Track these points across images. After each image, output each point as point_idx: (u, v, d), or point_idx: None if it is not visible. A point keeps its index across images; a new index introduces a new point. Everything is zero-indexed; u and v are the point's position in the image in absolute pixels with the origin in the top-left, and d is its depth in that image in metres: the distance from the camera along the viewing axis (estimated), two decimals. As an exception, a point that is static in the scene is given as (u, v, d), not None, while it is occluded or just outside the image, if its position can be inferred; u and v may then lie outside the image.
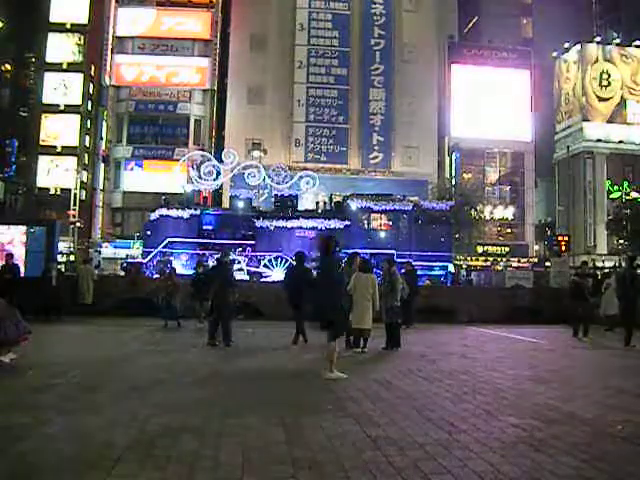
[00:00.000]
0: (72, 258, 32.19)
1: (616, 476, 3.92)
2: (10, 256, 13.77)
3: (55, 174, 38.91)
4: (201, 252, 19.53)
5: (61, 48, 40.66)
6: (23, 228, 16.43)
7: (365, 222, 20.88)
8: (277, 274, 19.26)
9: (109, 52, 41.50)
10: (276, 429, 4.82)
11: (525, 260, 43.76)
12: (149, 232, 20.99)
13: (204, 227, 20.53)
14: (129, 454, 4.12)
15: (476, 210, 38.64)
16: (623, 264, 19.43)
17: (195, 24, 42.44)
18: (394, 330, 10.47)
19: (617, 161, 48.25)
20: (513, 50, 48.23)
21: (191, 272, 16.15)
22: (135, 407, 5.54)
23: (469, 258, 39.47)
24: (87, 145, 40.67)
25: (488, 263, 40.17)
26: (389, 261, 11.19)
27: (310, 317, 10.28)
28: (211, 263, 15.04)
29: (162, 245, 19.85)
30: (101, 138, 41.10)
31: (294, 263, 12.18)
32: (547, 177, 52.69)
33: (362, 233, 20.50)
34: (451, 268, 21.78)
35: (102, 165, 40.88)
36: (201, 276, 13.87)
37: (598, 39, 50.99)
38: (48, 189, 38.87)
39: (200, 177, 23.18)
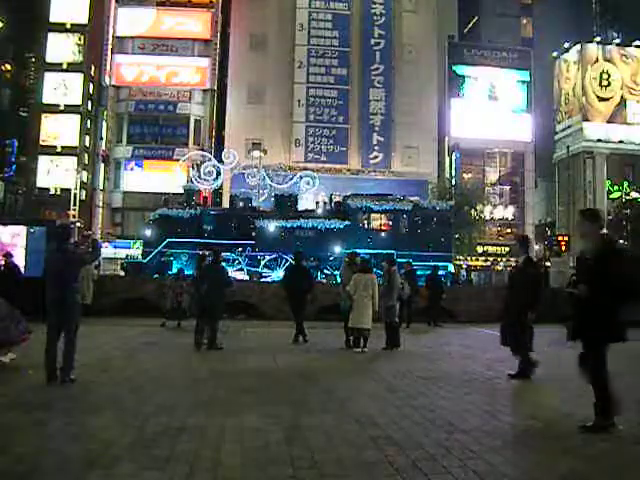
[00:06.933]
0: None
1: (616, 476, 3.92)
2: (8, 255, 13.64)
3: (55, 174, 38.80)
4: (201, 252, 19.50)
5: (61, 48, 40.52)
6: (23, 228, 16.40)
7: (365, 222, 20.87)
8: (277, 274, 19.26)
9: (109, 52, 41.41)
10: (276, 429, 4.82)
11: (525, 260, 43.60)
12: (149, 232, 20.98)
13: (204, 227, 20.52)
14: (129, 454, 4.12)
15: (476, 210, 38.59)
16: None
17: (195, 24, 42.38)
18: (393, 330, 10.47)
19: (617, 161, 48.18)
20: (513, 50, 48.21)
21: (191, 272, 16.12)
22: (135, 407, 5.54)
23: (469, 258, 39.44)
24: (87, 145, 40.59)
25: (488, 263, 40.14)
26: (389, 261, 11.16)
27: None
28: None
29: (162, 245, 19.86)
30: (101, 138, 41.02)
31: (293, 262, 12.18)
32: (547, 177, 52.67)
33: (362, 233, 20.49)
34: (451, 268, 21.76)
35: (102, 165, 40.80)
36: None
37: (598, 39, 50.93)
38: (48, 189, 38.76)
39: (200, 177, 23.19)
